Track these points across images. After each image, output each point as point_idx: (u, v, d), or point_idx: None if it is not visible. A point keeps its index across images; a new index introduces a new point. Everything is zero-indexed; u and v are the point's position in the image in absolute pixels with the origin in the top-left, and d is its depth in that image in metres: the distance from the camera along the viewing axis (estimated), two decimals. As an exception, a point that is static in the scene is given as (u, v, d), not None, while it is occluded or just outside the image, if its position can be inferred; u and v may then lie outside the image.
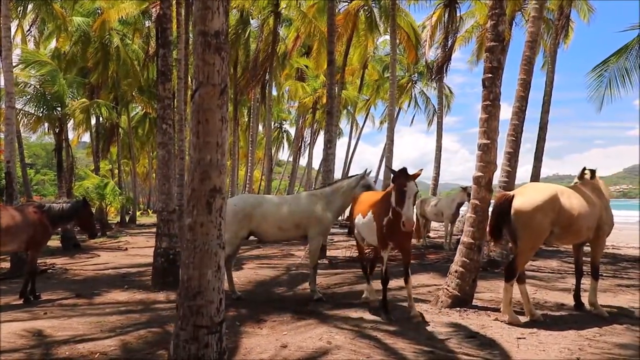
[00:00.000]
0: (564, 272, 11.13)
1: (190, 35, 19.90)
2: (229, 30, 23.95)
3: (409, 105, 37.68)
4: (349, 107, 37.65)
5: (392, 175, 6.38)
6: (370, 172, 8.01)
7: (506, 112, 12.00)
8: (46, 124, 17.40)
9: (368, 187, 7.81)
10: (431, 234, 16.12)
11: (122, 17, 21.55)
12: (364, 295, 7.68)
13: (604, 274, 10.78)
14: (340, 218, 18.87)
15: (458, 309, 7.12)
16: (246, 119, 36.00)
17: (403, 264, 6.76)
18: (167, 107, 9.27)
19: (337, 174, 31.61)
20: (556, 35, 17.65)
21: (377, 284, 7.21)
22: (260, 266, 12.10)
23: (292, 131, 51.07)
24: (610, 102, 12.04)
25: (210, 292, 3.46)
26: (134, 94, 28.47)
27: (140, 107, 35.73)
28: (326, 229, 8.03)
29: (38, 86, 16.25)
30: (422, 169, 6.34)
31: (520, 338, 5.73)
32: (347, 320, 6.55)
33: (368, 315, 6.75)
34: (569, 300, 7.78)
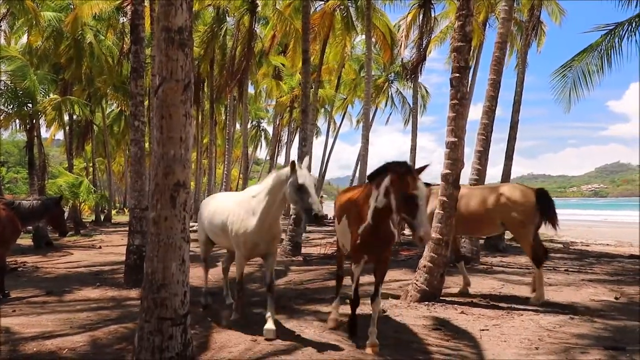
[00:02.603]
0: (531, 267, 11.41)
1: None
2: (205, 28, 23.79)
3: (385, 105, 38.02)
4: (326, 106, 37.79)
5: (378, 171, 5.07)
6: (309, 159, 5.93)
7: (478, 111, 12.29)
8: (17, 121, 17.06)
9: (301, 188, 5.18)
10: (405, 232, 16.33)
11: (95, 13, 21.22)
12: (331, 316, 6.13)
13: (570, 269, 11.13)
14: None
15: (426, 302, 7.30)
16: (223, 117, 35.83)
17: (375, 282, 5.39)
18: (139, 104, 9.24)
19: (314, 172, 31.69)
20: (527, 36, 18.02)
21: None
22: (234, 263, 12.12)
23: (270, 129, 51.02)
24: (577, 102, 12.35)
25: (174, 285, 3.51)
26: (108, 91, 28.11)
27: (115, 104, 35.30)
28: (243, 243, 5.76)
29: (9, 82, 15.94)
30: (428, 164, 4.95)
31: (483, 330, 5.92)
32: (317, 314, 6.68)
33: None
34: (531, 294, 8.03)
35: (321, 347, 5.25)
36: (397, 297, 7.82)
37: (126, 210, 48.08)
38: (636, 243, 19.38)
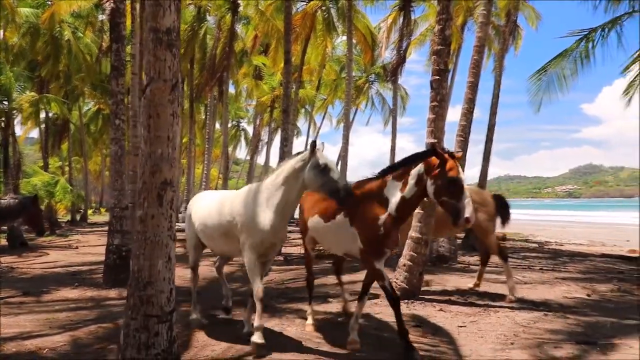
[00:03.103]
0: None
1: (145, 30, 19.62)
2: (185, 27, 23.62)
3: (366, 106, 38.29)
4: (306, 106, 37.90)
5: (400, 163, 5.12)
6: (323, 144, 5.12)
7: (456, 113, 12.52)
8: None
9: (324, 169, 4.85)
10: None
11: (74, 10, 20.92)
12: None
13: (544, 268, 11.42)
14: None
15: (406, 300, 7.42)
16: (203, 117, 35.63)
17: (366, 281, 5.42)
18: (120, 102, 9.20)
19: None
20: (504, 40, 18.40)
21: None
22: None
23: (250, 129, 50.86)
24: (551, 105, 12.73)
25: (160, 282, 3.56)
26: (86, 89, 27.73)
27: (92, 102, 34.81)
28: (260, 240, 5.11)
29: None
30: (460, 150, 4.93)
31: (461, 326, 6.08)
32: (298, 312, 6.75)
33: (318, 308, 6.95)
34: (508, 292, 8.24)
35: (303, 345, 5.33)
36: (376, 295, 7.94)
37: (102, 210, 47.45)
38: (608, 243, 19.94)
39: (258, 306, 5.04)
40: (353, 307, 5.83)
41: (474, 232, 9.17)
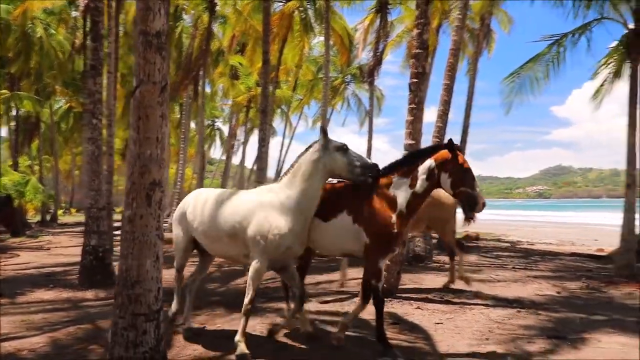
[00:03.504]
0: (481, 265, 11.99)
1: (121, 29, 19.37)
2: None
3: (342, 106, 38.42)
4: (282, 107, 37.87)
5: (406, 158, 5.22)
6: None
7: (433, 114, 12.75)
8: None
9: (346, 149, 4.90)
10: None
11: (46, 6, 20.51)
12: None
13: (517, 267, 11.76)
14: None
15: (384, 299, 7.56)
16: (178, 116, 35.27)
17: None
18: (97, 101, 9.11)
19: (271, 172, 31.78)
20: (478, 43, 18.80)
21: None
22: (192, 263, 12.06)
23: (225, 129, 50.51)
24: (523, 107, 13.12)
25: (148, 281, 3.60)
26: (58, 86, 27.16)
27: (64, 100, 34.10)
28: (276, 244, 4.81)
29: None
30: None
31: (438, 323, 6.25)
32: (279, 311, 6.82)
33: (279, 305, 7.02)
34: (482, 289, 8.50)
35: (284, 342, 5.42)
36: (355, 294, 8.07)
37: (73, 211, 46.49)
38: (577, 242, 20.55)
39: (244, 319, 4.85)
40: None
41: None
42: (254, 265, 4.85)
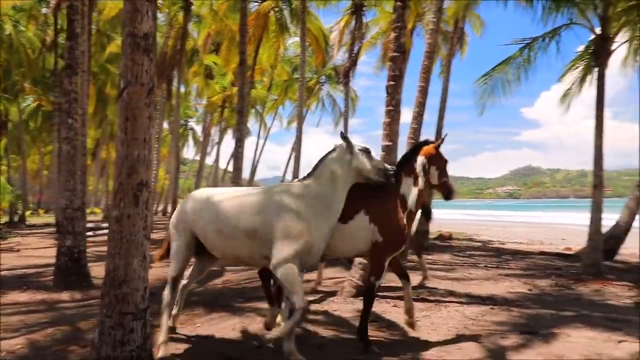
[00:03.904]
0: (454, 264, 12.26)
1: (94, 27, 19.05)
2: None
3: (316, 107, 38.57)
4: (257, 107, 37.80)
5: (414, 147, 5.43)
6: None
7: (407, 116, 12.99)
8: None
9: (370, 153, 5.10)
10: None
11: (16, 3, 20.03)
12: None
13: (489, 265, 12.06)
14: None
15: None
16: (151, 115, 34.82)
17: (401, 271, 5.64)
18: (73, 101, 9.02)
19: (245, 172, 31.63)
20: (452, 46, 19.16)
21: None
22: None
23: (199, 129, 50.10)
24: (494, 108, 13.50)
25: (136, 280, 3.64)
26: (27, 84, 26.54)
27: (32, 98, 33.32)
28: (305, 247, 4.62)
29: None
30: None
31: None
32: (258, 311, 6.87)
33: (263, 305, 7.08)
34: (457, 288, 8.71)
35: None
36: (333, 293, 8.18)
37: (41, 212, 45.42)
38: (546, 241, 21.13)
39: (290, 323, 4.58)
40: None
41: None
42: (285, 268, 4.56)
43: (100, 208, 48.10)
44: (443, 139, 5.42)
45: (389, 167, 5.13)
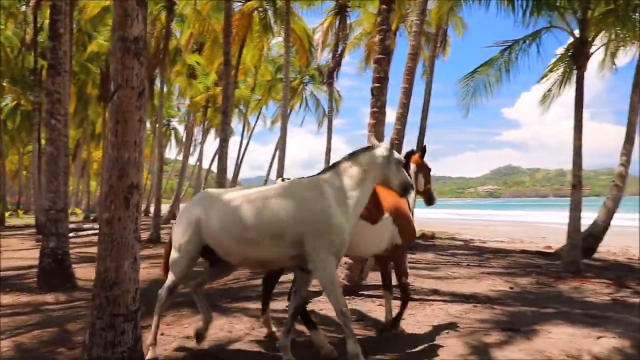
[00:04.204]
0: (438, 263, 12.42)
1: (74, 26, 18.84)
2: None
3: (300, 107, 38.59)
4: (240, 106, 37.70)
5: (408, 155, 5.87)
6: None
7: (391, 116, 13.11)
8: None
9: (401, 165, 4.94)
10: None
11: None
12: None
13: (471, 264, 12.24)
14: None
15: (347, 297, 7.77)
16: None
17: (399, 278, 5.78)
18: (56, 101, 8.94)
19: (229, 172, 31.51)
20: (434, 47, 19.39)
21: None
22: (152, 265, 11.95)
23: (181, 128, 49.82)
24: (475, 109, 13.74)
25: (127, 282, 3.66)
26: (5, 83, 26.09)
27: (10, 98, 32.78)
28: (341, 243, 4.46)
29: None
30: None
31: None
32: (245, 311, 6.91)
33: (254, 305, 7.13)
34: (440, 286, 8.85)
35: (252, 340, 5.53)
36: (318, 293, 8.25)
37: (20, 213, 44.67)
38: (526, 239, 21.48)
39: (348, 324, 4.44)
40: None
41: None
42: (325, 271, 4.34)
43: (81, 209, 47.48)
44: (424, 150, 5.92)
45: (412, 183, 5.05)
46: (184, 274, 4.91)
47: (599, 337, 5.62)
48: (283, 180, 5.44)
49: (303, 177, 4.96)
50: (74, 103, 27.71)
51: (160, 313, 4.96)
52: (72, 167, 38.58)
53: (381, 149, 4.82)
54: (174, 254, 4.87)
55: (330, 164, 5.03)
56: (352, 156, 4.80)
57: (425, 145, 5.96)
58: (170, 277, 4.88)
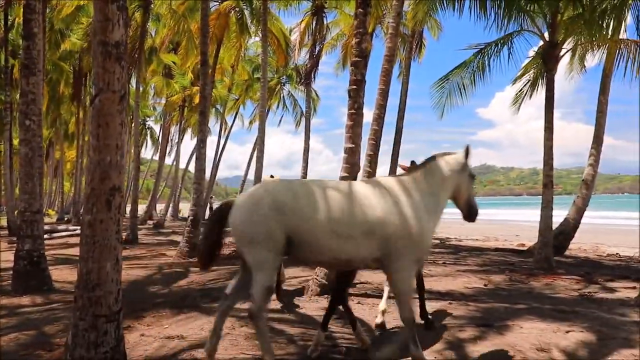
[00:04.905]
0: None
1: (47, 24, 18.52)
2: (90, 21, 22.59)
3: (277, 107, 38.59)
4: (217, 106, 37.53)
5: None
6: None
7: (367, 117, 13.26)
8: None
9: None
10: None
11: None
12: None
13: (447, 262, 12.49)
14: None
15: (326, 296, 7.87)
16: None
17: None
18: (30, 102, 8.83)
19: (206, 172, 31.39)
20: (410, 49, 19.65)
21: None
22: (130, 266, 11.88)
23: (157, 128, 49.33)
24: (450, 110, 14.05)
25: (109, 283, 3.70)
26: (-25, 82, 25.47)
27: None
28: (425, 251, 4.46)
29: None
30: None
31: (379, 316, 6.63)
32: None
33: (244, 306, 7.20)
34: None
35: (234, 340, 5.60)
36: (298, 292, 8.35)
37: (-8, 214, 43.62)
38: (500, 238, 21.95)
39: (413, 331, 4.31)
40: None
41: None
42: (403, 275, 4.18)
43: (55, 210, 46.59)
44: (413, 162, 5.86)
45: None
46: (275, 272, 4.46)
47: (567, 332, 5.86)
48: (272, 177, 5.42)
49: (388, 176, 4.95)
50: (47, 102, 27.23)
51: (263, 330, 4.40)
52: (45, 168, 37.83)
53: (460, 155, 4.67)
54: (253, 258, 4.09)
55: (413, 164, 5.09)
56: (434, 163, 4.64)
57: (413, 161, 5.64)
58: (264, 281, 4.08)
